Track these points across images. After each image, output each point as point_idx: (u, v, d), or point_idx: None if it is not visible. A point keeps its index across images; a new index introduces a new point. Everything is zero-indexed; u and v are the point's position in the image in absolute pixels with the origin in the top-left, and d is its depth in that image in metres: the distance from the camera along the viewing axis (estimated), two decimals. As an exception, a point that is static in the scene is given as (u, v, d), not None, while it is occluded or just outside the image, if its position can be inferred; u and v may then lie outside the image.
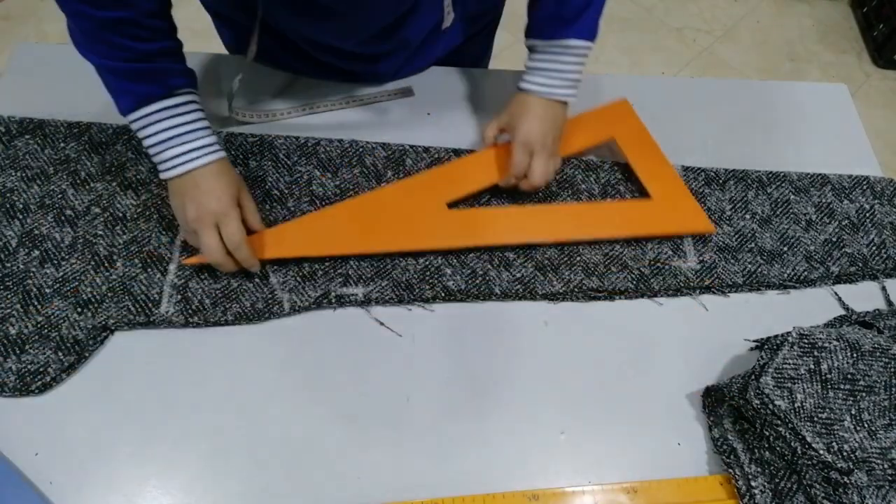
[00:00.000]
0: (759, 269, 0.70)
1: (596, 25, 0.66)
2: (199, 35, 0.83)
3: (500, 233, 0.67)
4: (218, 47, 0.84)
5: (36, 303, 0.61)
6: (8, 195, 0.67)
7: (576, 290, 0.66)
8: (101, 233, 0.66)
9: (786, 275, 0.70)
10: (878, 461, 0.53)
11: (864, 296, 0.69)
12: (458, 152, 0.75)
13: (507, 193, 0.71)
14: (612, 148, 0.76)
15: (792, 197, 0.76)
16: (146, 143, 0.59)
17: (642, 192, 0.72)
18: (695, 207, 0.71)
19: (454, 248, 0.66)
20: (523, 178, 0.67)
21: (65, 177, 0.69)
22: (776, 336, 0.60)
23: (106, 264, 0.64)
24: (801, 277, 0.70)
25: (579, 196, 0.72)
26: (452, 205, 0.69)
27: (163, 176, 0.60)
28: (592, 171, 0.74)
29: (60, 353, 0.59)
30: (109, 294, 0.62)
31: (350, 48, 0.72)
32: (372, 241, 0.65)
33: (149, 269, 0.64)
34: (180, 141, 0.59)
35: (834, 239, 0.73)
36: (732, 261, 0.70)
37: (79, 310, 0.61)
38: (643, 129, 0.76)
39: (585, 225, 0.69)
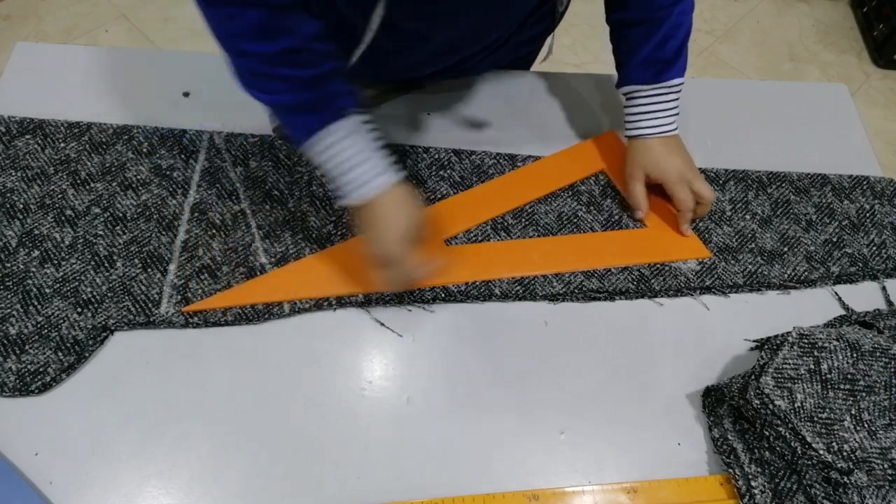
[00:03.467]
0: (760, 270, 0.70)
1: (686, 61, 0.69)
2: (198, 35, 0.83)
3: (498, 268, 0.67)
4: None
5: (36, 303, 0.61)
6: (8, 195, 0.67)
7: (576, 290, 0.66)
8: (101, 233, 0.66)
9: (786, 275, 0.70)
10: (878, 461, 0.53)
11: (864, 296, 0.69)
12: (458, 153, 0.75)
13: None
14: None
15: (792, 197, 0.76)
16: (329, 167, 0.57)
17: (641, 223, 0.72)
18: (690, 234, 0.71)
19: (453, 284, 0.66)
20: (694, 209, 0.69)
21: (65, 177, 0.69)
22: (776, 336, 0.60)
23: (106, 264, 0.64)
24: (802, 278, 0.70)
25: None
26: (449, 241, 0.69)
27: (352, 200, 0.57)
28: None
29: (60, 353, 0.59)
30: (109, 294, 0.62)
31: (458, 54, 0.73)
32: (371, 281, 0.63)
33: (149, 269, 0.64)
34: (369, 157, 0.57)
35: (834, 239, 0.73)
36: (733, 261, 0.70)
37: (79, 310, 0.61)
38: None
39: (584, 257, 0.68)
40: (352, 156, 0.56)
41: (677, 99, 0.70)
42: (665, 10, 0.66)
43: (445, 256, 0.66)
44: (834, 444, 0.53)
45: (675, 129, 0.70)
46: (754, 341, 0.64)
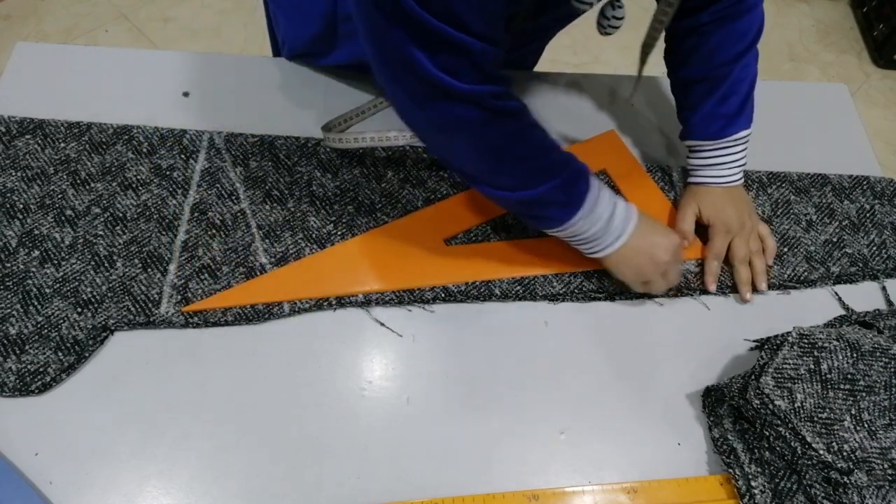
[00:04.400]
0: (759, 270, 0.70)
1: (752, 110, 0.69)
2: (199, 35, 0.83)
3: (498, 268, 0.67)
4: (218, 47, 0.84)
5: (36, 303, 0.61)
6: (8, 195, 0.67)
7: (576, 290, 0.66)
8: (101, 233, 0.66)
9: (786, 275, 0.70)
10: (878, 461, 0.53)
11: (864, 296, 0.69)
12: (458, 152, 0.75)
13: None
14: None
15: (792, 197, 0.76)
16: (595, 227, 0.59)
17: None
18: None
19: (453, 284, 0.66)
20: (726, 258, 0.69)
21: (65, 177, 0.69)
22: (776, 336, 0.60)
23: (106, 264, 0.64)
24: (802, 278, 0.70)
25: None
26: (449, 241, 0.69)
27: (614, 247, 0.60)
28: None
29: (60, 353, 0.59)
30: (109, 294, 0.62)
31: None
32: (373, 281, 0.64)
33: (149, 269, 0.64)
34: (614, 207, 0.60)
35: (834, 239, 0.73)
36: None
37: (79, 310, 0.61)
38: (632, 159, 0.76)
39: (584, 257, 0.68)
40: (610, 193, 0.60)
41: (744, 149, 0.69)
42: (726, 66, 0.66)
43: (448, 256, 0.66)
44: (834, 444, 0.53)
45: (739, 179, 0.70)
46: (754, 341, 0.64)
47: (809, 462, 0.53)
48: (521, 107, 0.55)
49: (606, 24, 0.58)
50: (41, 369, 0.58)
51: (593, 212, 0.58)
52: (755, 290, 0.68)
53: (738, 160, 0.69)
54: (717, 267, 0.68)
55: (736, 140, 0.68)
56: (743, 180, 0.70)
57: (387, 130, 0.68)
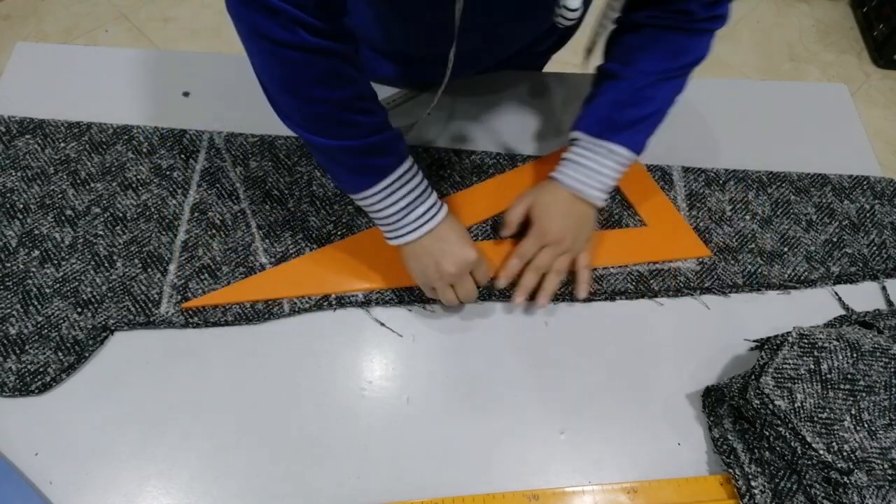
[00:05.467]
0: (760, 270, 0.70)
1: (646, 140, 0.64)
2: (198, 35, 0.83)
3: (499, 266, 0.66)
4: (218, 47, 0.84)
5: (36, 303, 0.61)
6: (8, 195, 0.67)
7: (575, 291, 0.66)
8: (101, 233, 0.66)
9: (786, 275, 0.70)
10: (878, 461, 0.53)
11: (864, 296, 0.69)
12: (458, 153, 0.75)
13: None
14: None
15: (792, 197, 0.76)
16: (388, 211, 0.58)
17: (641, 221, 0.72)
18: (690, 234, 0.71)
19: None
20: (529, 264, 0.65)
21: (65, 177, 0.69)
22: (776, 336, 0.60)
23: (106, 264, 0.64)
24: (802, 278, 0.70)
25: None
26: None
27: (405, 240, 0.59)
28: None
29: (60, 353, 0.59)
30: (109, 294, 0.62)
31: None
32: (373, 278, 0.65)
33: (149, 269, 0.64)
34: (421, 201, 0.58)
35: (834, 239, 0.73)
36: (732, 261, 0.70)
37: (79, 310, 0.61)
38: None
39: None
40: (420, 192, 0.59)
41: (615, 171, 0.64)
42: (641, 76, 0.62)
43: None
44: (834, 444, 0.53)
45: (596, 197, 0.64)
46: (754, 341, 0.64)
47: (809, 462, 0.53)
48: (341, 51, 0.51)
49: (558, 13, 0.55)
50: (41, 369, 0.58)
51: (391, 195, 0.57)
52: (532, 299, 0.64)
53: (603, 174, 0.63)
54: (515, 266, 0.64)
55: (610, 151, 0.63)
56: (600, 203, 0.65)
57: None
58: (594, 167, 0.63)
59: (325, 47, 0.49)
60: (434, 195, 0.60)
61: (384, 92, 0.79)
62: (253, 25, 0.48)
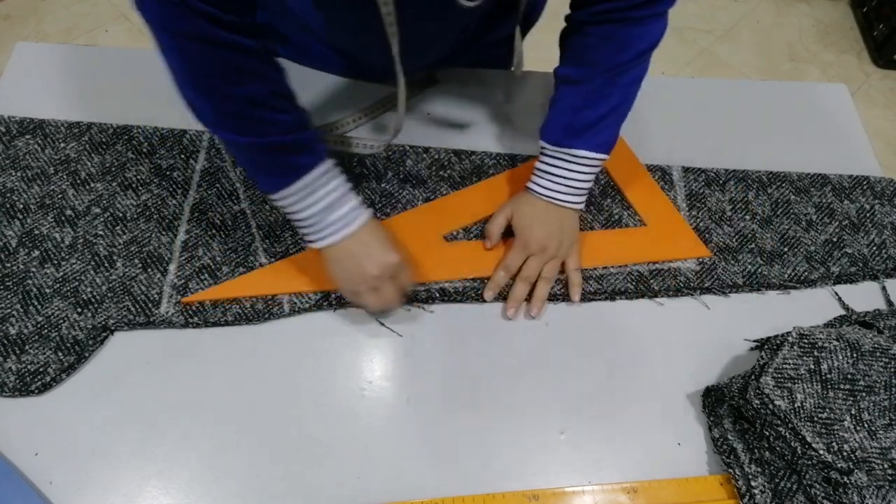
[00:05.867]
0: (760, 270, 0.70)
1: (611, 138, 0.64)
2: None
3: (498, 265, 0.67)
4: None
5: (36, 303, 0.61)
6: (8, 195, 0.67)
7: (576, 290, 0.66)
8: (101, 233, 0.66)
9: (786, 275, 0.70)
10: (878, 461, 0.53)
11: (864, 296, 0.69)
12: (458, 153, 0.75)
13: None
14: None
15: (792, 197, 0.76)
16: (307, 212, 0.57)
17: (641, 221, 0.72)
18: (690, 234, 0.71)
19: (451, 280, 0.66)
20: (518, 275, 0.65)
21: (65, 177, 0.69)
22: (776, 336, 0.60)
23: (106, 264, 0.64)
24: (802, 278, 0.70)
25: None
26: (448, 237, 0.69)
27: (325, 243, 0.58)
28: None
29: (60, 353, 0.59)
30: (109, 294, 0.62)
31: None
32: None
33: (149, 269, 0.64)
34: (341, 203, 0.58)
35: (834, 239, 0.73)
36: (733, 261, 0.70)
37: (79, 310, 0.61)
38: (633, 158, 0.76)
39: (584, 255, 0.68)
40: (341, 194, 0.58)
41: (585, 174, 0.64)
42: (594, 75, 0.61)
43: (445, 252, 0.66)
44: (834, 444, 0.53)
45: (571, 203, 0.65)
46: (754, 341, 0.64)
47: (809, 462, 0.53)
48: (248, 46, 0.50)
49: None
50: (41, 369, 0.58)
51: (309, 196, 0.56)
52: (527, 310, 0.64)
53: (572, 179, 0.64)
54: (502, 278, 0.64)
55: (575, 157, 0.63)
56: (578, 207, 0.65)
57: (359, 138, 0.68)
58: (563, 174, 0.64)
59: (229, 41, 0.48)
60: (356, 198, 0.59)
61: (384, 91, 0.79)
62: (157, 17, 0.47)
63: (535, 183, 0.66)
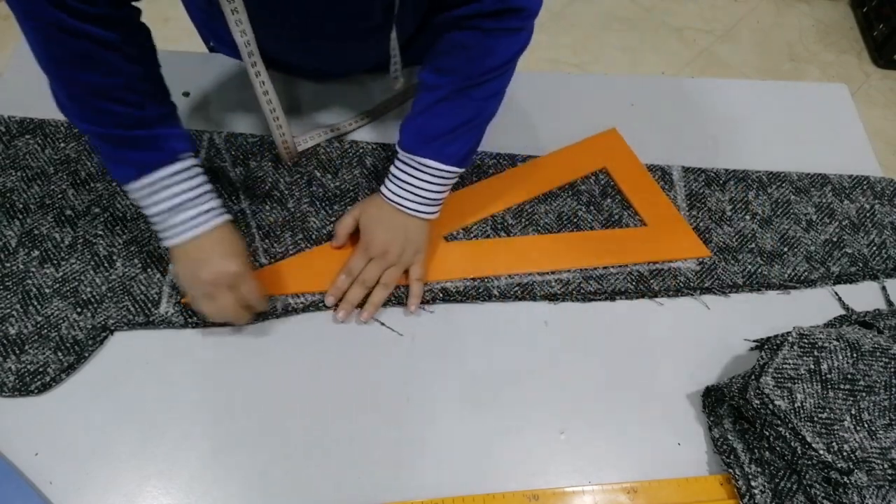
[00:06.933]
0: (760, 270, 0.70)
1: (462, 151, 0.62)
2: (198, 35, 0.83)
3: (497, 265, 0.67)
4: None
5: (36, 303, 0.61)
6: (8, 195, 0.67)
7: (575, 291, 0.66)
8: (101, 233, 0.66)
9: (786, 275, 0.70)
10: (878, 461, 0.53)
11: (864, 296, 0.69)
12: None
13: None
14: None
15: (792, 197, 0.76)
16: (151, 210, 0.56)
17: (641, 221, 0.72)
18: (690, 234, 0.71)
19: (452, 280, 0.66)
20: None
21: (65, 177, 0.69)
22: (776, 336, 0.60)
23: (106, 264, 0.64)
24: (802, 278, 0.70)
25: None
26: (449, 237, 0.69)
27: (169, 243, 0.57)
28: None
29: (60, 353, 0.59)
30: (109, 294, 0.62)
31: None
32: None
33: (149, 269, 0.64)
34: (188, 206, 0.56)
35: (834, 239, 0.73)
36: (732, 261, 0.70)
37: (78, 310, 0.61)
38: (633, 158, 0.76)
39: (583, 255, 0.68)
40: (190, 198, 0.56)
41: (436, 185, 0.62)
42: (449, 85, 0.60)
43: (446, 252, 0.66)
44: (834, 444, 0.53)
45: (420, 213, 0.63)
46: (754, 341, 0.64)
47: (809, 462, 0.53)
48: (99, 36, 0.50)
49: None
50: (41, 369, 0.58)
51: (154, 194, 0.55)
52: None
53: (421, 189, 0.62)
54: (343, 282, 0.63)
55: (424, 166, 0.61)
56: (426, 217, 0.64)
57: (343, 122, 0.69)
58: (412, 182, 0.62)
59: (79, 29, 0.49)
60: (211, 203, 0.58)
61: (386, 93, 0.79)
62: (18, 2, 0.48)
63: (385, 187, 0.64)
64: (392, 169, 0.64)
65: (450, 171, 0.62)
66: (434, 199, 0.63)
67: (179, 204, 0.56)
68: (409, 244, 0.64)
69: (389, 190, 0.63)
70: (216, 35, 0.76)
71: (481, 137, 0.64)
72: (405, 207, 0.63)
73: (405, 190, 0.63)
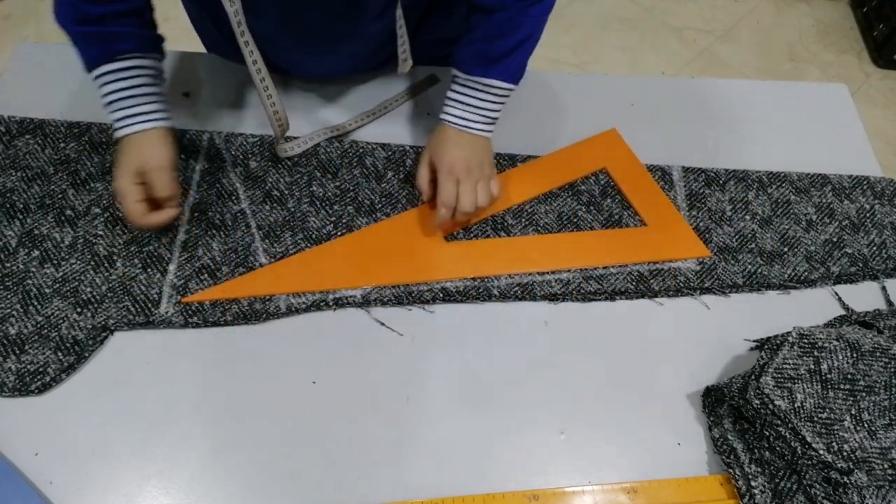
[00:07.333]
0: (760, 270, 0.70)
1: (520, 69, 0.66)
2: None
3: (498, 264, 0.67)
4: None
5: (36, 303, 0.61)
6: (8, 195, 0.67)
7: (575, 291, 0.66)
8: (101, 233, 0.66)
9: (786, 275, 0.70)
10: (878, 461, 0.53)
11: (864, 296, 0.69)
12: (458, 152, 0.75)
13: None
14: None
15: (792, 197, 0.76)
16: (105, 100, 0.61)
17: (641, 221, 0.72)
18: (690, 234, 0.71)
19: (452, 280, 0.66)
20: (455, 209, 0.65)
21: (65, 177, 0.69)
22: (776, 336, 0.60)
23: (106, 264, 0.64)
24: (802, 278, 0.70)
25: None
26: (449, 237, 0.69)
27: (116, 134, 0.62)
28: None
29: (60, 353, 0.59)
30: (109, 294, 0.62)
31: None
32: (372, 275, 0.65)
33: (149, 269, 0.64)
34: (120, 106, 0.61)
35: (834, 239, 0.73)
36: (733, 261, 0.70)
37: (78, 310, 0.61)
38: (633, 158, 0.76)
39: (583, 255, 0.68)
40: (126, 96, 0.60)
41: (495, 103, 0.66)
42: (509, 5, 0.62)
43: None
44: (834, 444, 0.53)
45: (482, 131, 0.67)
46: (754, 341, 0.64)
47: (809, 462, 0.53)
48: None
49: None
50: (41, 369, 0.58)
51: (102, 86, 0.60)
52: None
53: (484, 108, 0.66)
54: (445, 215, 0.65)
55: (487, 87, 0.65)
56: (486, 135, 0.67)
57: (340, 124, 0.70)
58: (473, 103, 0.66)
59: None
60: (143, 108, 0.61)
61: (387, 93, 0.79)
62: None
63: (446, 112, 0.67)
64: (451, 94, 0.67)
65: (510, 89, 0.65)
66: (495, 118, 0.67)
67: (112, 102, 0.61)
68: (483, 158, 0.67)
69: (453, 115, 0.66)
70: (202, 23, 0.76)
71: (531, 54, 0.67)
72: (471, 129, 0.66)
73: (469, 111, 0.66)
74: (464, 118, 0.66)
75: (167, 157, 0.61)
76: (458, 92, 0.66)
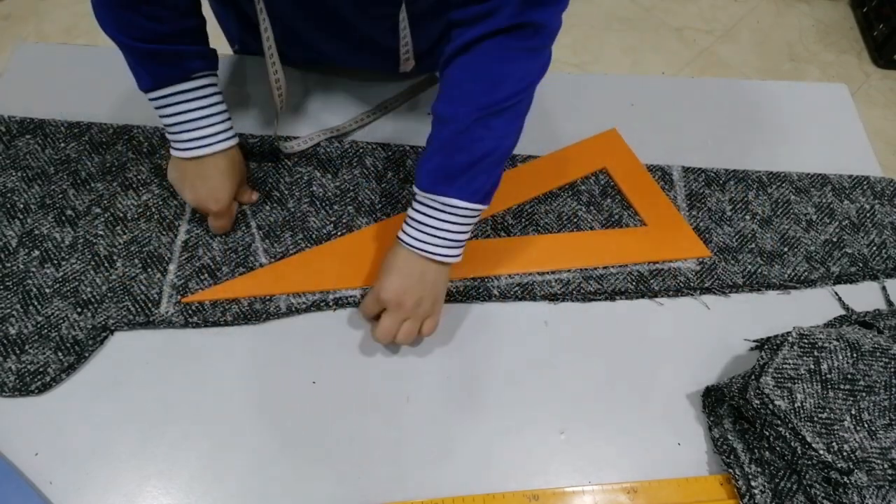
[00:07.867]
0: (760, 270, 0.70)
1: (486, 187, 0.57)
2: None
3: (497, 265, 0.67)
4: (218, 47, 0.83)
5: (36, 303, 0.61)
6: (8, 195, 0.67)
7: (575, 291, 0.66)
8: (101, 233, 0.66)
9: (786, 275, 0.70)
10: (878, 461, 0.53)
11: (864, 296, 0.69)
12: (458, 152, 0.75)
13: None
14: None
15: (792, 197, 0.76)
16: (164, 120, 0.61)
17: (641, 221, 0.72)
18: (690, 234, 0.71)
19: (452, 279, 0.66)
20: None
21: (65, 177, 0.69)
22: (776, 336, 0.60)
23: (106, 264, 0.64)
24: (802, 278, 0.70)
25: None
26: None
27: (174, 153, 0.62)
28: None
29: (60, 353, 0.59)
30: (109, 294, 0.62)
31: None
32: (372, 275, 0.64)
33: (149, 269, 0.64)
34: (193, 126, 0.61)
35: (834, 239, 0.73)
36: (732, 261, 0.70)
37: (79, 310, 0.61)
38: (633, 158, 0.76)
39: (583, 255, 0.68)
40: (195, 118, 0.61)
41: (459, 224, 0.57)
42: (466, 116, 0.55)
43: None
44: (834, 444, 0.53)
45: (443, 256, 0.58)
46: (754, 341, 0.64)
47: (809, 462, 0.53)
48: (182, 10, 0.58)
49: None
50: (41, 369, 0.58)
51: (166, 107, 0.61)
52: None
53: (444, 230, 0.57)
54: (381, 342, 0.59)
55: (447, 206, 0.56)
56: (448, 260, 0.59)
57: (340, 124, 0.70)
58: (434, 224, 0.57)
59: None
60: (217, 127, 0.62)
61: (387, 93, 0.79)
62: None
63: (404, 232, 0.59)
64: (410, 213, 0.59)
65: (475, 209, 0.57)
66: (458, 241, 0.59)
67: (185, 122, 0.60)
68: (427, 294, 0.59)
69: (408, 235, 0.58)
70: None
71: (503, 170, 0.59)
72: (427, 252, 0.58)
73: (427, 234, 0.58)
74: (421, 240, 0.57)
75: (228, 195, 0.64)
76: (416, 210, 0.58)
